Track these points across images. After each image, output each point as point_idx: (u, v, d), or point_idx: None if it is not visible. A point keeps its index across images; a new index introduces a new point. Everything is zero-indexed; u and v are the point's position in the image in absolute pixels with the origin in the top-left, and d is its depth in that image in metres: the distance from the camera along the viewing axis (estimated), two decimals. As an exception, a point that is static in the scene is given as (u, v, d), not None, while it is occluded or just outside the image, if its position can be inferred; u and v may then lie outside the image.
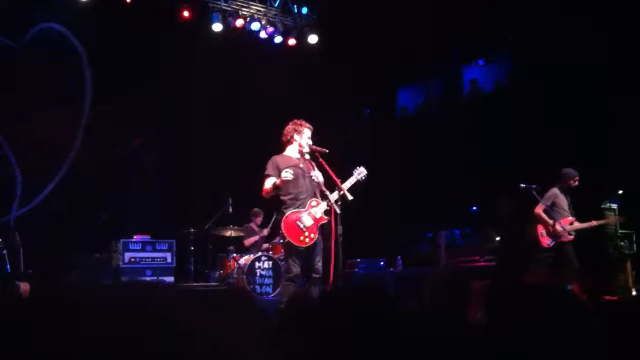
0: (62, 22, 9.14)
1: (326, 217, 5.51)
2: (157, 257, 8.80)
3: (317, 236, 5.48)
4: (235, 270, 8.43)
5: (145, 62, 9.21)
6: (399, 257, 9.27)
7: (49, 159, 9.05)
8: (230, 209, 8.87)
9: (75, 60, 9.33)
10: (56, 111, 8.64)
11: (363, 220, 9.16)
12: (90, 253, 8.65)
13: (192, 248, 9.11)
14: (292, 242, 5.40)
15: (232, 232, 8.97)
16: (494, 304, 2.20)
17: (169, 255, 8.89)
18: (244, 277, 8.15)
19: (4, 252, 6.13)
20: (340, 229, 5.47)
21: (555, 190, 7.32)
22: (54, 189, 9.08)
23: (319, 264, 5.50)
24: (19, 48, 8.87)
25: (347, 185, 5.58)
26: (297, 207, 5.48)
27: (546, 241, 7.27)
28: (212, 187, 9.81)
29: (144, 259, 8.69)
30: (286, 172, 5.39)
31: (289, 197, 5.50)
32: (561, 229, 7.13)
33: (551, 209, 7.26)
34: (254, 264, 8.29)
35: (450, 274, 2.87)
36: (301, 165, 5.61)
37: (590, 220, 7.30)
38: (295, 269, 5.41)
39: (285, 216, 5.43)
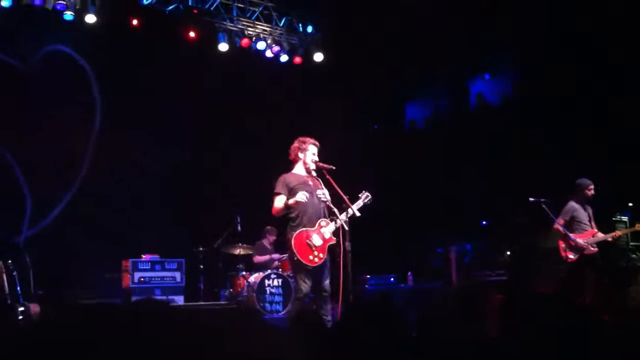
0: (70, 43, 9.23)
1: (335, 238, 5.43)
2: (166, 277, 8.78)
3: (325, 256, 5.41)
4: (245, 288, 8.39)
5: (153, 81, 9.26)
6: (409, 272, 9.22)
7: (58, 180, 9.10)
8: (239, 227, 8.85)
9: (85, 81, 9.42)
10: (66, 131, 8.70)
11: (373, 236, 9.10)
12: (99, 273, 8.65)
13: (202, 267, 9.10)
14: (301, 260, 5.31)
15: (242, 250, 8.94)
16: (507, 316, 2.18)
17: (178, 275, 8.87)
18: (254, 295, 8.10)
19: (14, 273, 6.14)
20: (348, 245, 5.38)
21: (572, 204, 7.17)
22: (63, 209, 9.11)
23: (327, 282, 5.44)
24: (28, 69, 8.97)
25: (354, 207, 5.52)
26: (307, 226, 5.39)
27: (568, 255, 7.10)
28: (221, 205, 9.80)
29: (153, 279, 8.68)
30: (302, 194, 5.31)
31: (299, 216, 5.42)
32: (583, 242, 7.03)
33: (571, 223, 7.12)
34: (264, 282, 8.25)
35: (469, 287, 2.84)
36: (310, 183, 5.53)
37: (613, 231, 7.20)
38: (305, 288, 5.34)
39: (295, 234, 5.35)
